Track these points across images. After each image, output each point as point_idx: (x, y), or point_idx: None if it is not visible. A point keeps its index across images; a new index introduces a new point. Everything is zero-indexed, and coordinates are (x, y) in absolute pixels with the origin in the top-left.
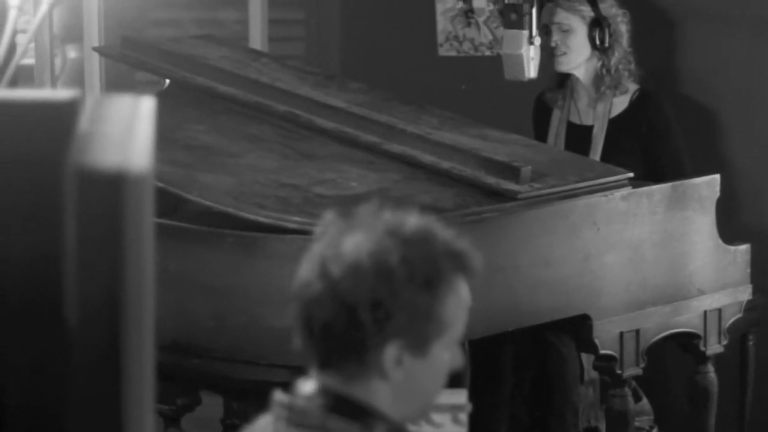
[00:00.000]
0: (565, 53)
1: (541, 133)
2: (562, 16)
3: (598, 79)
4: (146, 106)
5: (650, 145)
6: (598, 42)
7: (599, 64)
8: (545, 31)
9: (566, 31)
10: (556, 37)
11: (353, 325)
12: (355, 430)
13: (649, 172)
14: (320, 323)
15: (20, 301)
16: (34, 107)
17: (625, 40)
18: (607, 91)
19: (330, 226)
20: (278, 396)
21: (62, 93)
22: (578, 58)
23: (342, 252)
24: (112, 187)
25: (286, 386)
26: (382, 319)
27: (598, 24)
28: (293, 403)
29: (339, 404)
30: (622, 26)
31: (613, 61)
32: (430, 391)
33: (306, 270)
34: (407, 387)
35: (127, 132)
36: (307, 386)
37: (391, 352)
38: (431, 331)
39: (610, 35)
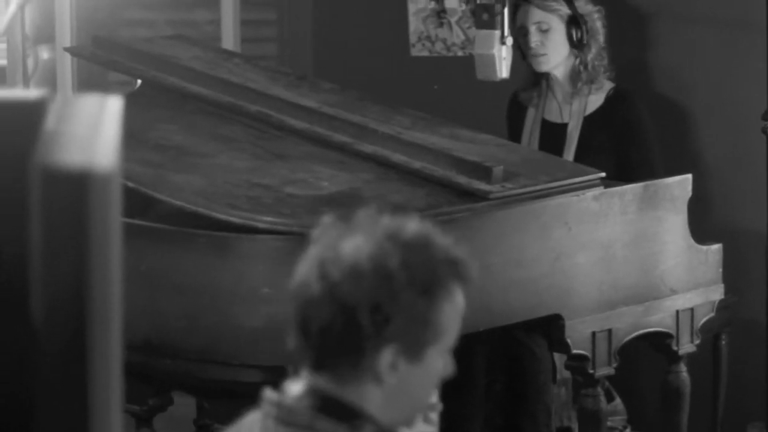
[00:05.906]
0: (545, 54)
1: (515, 132)
2: (541, 16)
3: (574, 75)
4: (113, 105)
5: (622, 143)
6: (575, 40)
7: (576, 60)
8: (522, 32)
9: (545, 31)
10: (535, 38)
11: (351, 327)
12: (343, 431)
13: (620, 170)
14: (317, 325)
15: None
16: (0, 106)
17: (601, 36)
18: (584, 87)
19: (328, 228)
20: (268, 394)
21: (29, 92)
22: (558, 58)
23: (341, 254)
24: (77, 185)
25: (258, 386)
26: (381, 323)
27: (575, 22)
28: (282, 401)
29: (327, 405)
30: (598, 23)
31: (590, 57)
32: (420, 398)
33: (304, 271)
34: (399, 392)
35: (93, 131)
36: (296, 386)
37: (387, 356)
38: (427, 337)
39: (587, 32)
